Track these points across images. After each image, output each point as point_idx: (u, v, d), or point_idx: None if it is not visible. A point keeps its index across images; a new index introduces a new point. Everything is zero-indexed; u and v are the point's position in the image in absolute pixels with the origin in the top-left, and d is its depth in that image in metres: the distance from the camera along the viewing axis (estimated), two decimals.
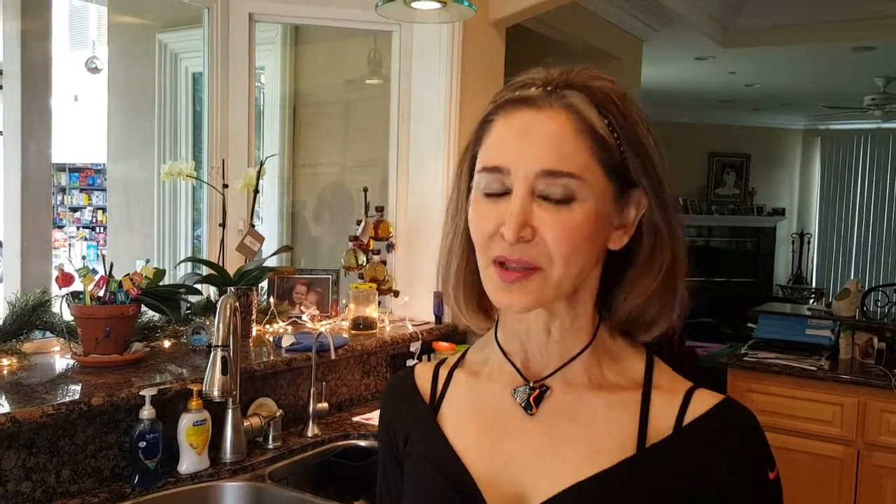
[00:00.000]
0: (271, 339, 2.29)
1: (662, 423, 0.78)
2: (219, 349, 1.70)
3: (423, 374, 0.94)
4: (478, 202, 0.78)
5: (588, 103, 0.75)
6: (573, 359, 0.81)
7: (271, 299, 2.51)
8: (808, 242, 9.96)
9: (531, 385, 0.81)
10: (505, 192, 0.75)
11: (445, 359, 0.95)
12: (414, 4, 2.19)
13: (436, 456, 0.85)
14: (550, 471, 0.79)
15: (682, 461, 0.76)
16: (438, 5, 2.18)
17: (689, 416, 0.77)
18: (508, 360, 0.84)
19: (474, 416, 0.86)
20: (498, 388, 0.85)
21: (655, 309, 0.80)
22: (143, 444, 1.65)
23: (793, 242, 9.98)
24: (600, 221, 0.76)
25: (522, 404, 0.81)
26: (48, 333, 1.98)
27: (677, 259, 0.79)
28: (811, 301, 8.34)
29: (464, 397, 0.88)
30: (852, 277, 9.35)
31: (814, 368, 3.28)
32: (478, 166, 0.78)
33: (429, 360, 2.56)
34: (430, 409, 0.90)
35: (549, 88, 0.76)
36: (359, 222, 2.69)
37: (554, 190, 0.73)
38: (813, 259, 10.03)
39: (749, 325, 3.87)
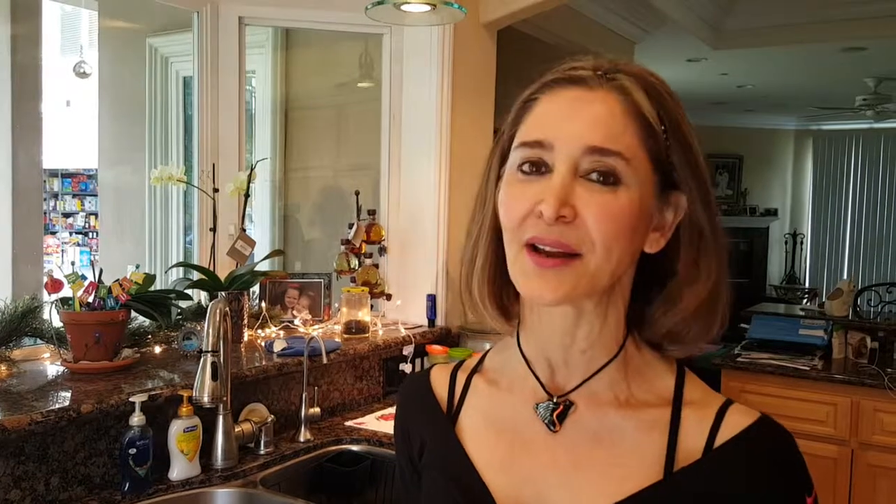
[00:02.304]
0: (263, 343, 2.28)
1: (692, 444, 0.73)
2: (209, 355, 1.69)
3: (439, 378, 0.89)
4: (511, 182, 0.73)
5: (639, 88, 0.72)
6: (598, 371, 0.76)
7: (263, 304, 2.50)
8: (801, 242, 9.99)
9: (555, 400, 0.77)
10: (544, 171, 0.71)
11: (463, 361, 0.90)
12: (404, 7, 2.19)
13: (453, 470, 0.81)
14: (573, 493, 0.74)
15: (713, 486, 0.71)
16: (428, 8, 2.18)
17: (721, 437, 0.72)
18: (531, 370, 0.80)
19: (494, 428, 0.81)
20: (519, 401, 0.80)
21: (699, 325, 0.75)
22: (133, 450, 1.64)
23: (786, 243, 10.01)
24: (643, 212, 0.71)
25: (545, 421, 0.77)
26: (38, 340, 1.96)
27: (723, 266, 0.75)
28: (804, 301, 8.36)
29: (483, 407, 0.84)
30: (845, 277, 9.37)
31: (807, 368, 3.28)
32: (515, 143, 0.74)
33: (422, 363, 2.55)
34: (448, 419, 0.85)
35: (599, 72, 0.73)
36: (351, 226, 2.68)
37: (599, 169, 0.69)
38: (806, 259, 10.06)
39: (742, 325, 3.87)
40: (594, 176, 0.69)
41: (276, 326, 2.45)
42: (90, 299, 1.88)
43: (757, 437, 0.72)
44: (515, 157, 0.74)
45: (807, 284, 9.89)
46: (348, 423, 2.22)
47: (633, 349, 0.78)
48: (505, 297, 0.80)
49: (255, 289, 2.52)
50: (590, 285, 0.71)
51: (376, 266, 2.71)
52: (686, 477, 0.72)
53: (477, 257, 0.80)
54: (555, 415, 0.77)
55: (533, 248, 0.71)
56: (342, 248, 2.65)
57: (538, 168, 0.71)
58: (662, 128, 0.72)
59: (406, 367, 2.46)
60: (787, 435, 0.73)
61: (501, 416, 0.82)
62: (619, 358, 0.76)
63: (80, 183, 11.07)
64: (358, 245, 2.65)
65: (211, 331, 1.72)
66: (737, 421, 0.73)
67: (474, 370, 0.88)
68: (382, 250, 2.77)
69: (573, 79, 0.73)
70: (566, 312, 0.75)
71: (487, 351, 0.90)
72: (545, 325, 0.78)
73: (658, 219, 0.74)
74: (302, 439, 2.06)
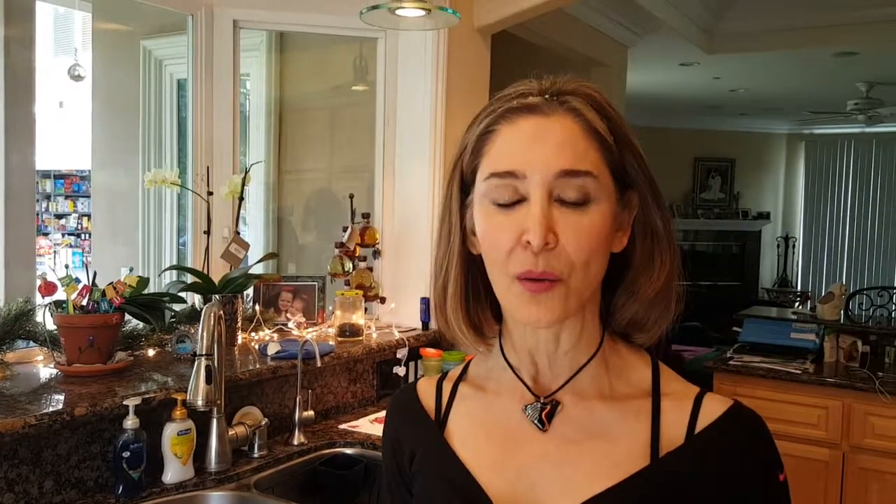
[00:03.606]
0: (257, 346, 2.28)
1: (674, 431, 0.77)
2: (203, 358, 1.69)
3: (425, 389, 0.92)
4: (489, 215, 0.76)
5: (588, 107, 0.76)
6: (581, 369, 0.80)
7: (257, 307, 2.50)
8: (793, 246, 10.03)
9: (542, 401, 0.81)
10: (518, 200, 0.74)
11: (447, 373, 0.93)
12: (399, 12, 2.19)
13: (447, 474, 0.83)
14: (566, 485, 0.77)
15: (697, 469, 0.76)
16: (423, 13, 2.19)
17: (701, 424, 0.77)
18: (517, 375, 0.83)
19: (483, 431, 0.84)
20: (507, 404, 0.83)
21: (658, 311, 0.80)
22: (126, 453, 1.64)
23: (778, 246, 10.04)
24: (612, 222, 0.76)
25: (535, 421, 0.80)
26: (31, 343, 1.96)
27: (676, 258, 0.80)
28: (796, 304, 8.39)
29: (471, 412, 0.87)
30: (837, 281, 9.41)
31: (799, 372, 3.30)
32: (483, 174, 0.77)
33: (416, 366, 2.56)
34: (437, 426, 0.88)
35: (547, 96, 0.77)
36: (345, 229, 2.68)
37: (572, 191, 0.73)
38: (798, 262, 10.10)
39: (735, 328, 3.89)
40: (568, 199, 0.73)
41: (269, 329, 2.46)
42: (84, 302, 1.88)
43: (733, 422, 0.77)
44: (486, 188, 0.76)
45: (799, 288, 9.93)
46: (342, 427, 2.22)
47: (610, 345, 0.82)
48: (478, 318, 0.84)
49: (249, 292, 2.52)
50: (578, 301, 0.76)
51: (370, 269, 2.71)
52: (671, 461, 0.76)
53: (448, 284, 0.83)
54: (543, 414, 0.80)
55: (524, 278, 0.74)
56: (336, 251, 2.66)
57: (513, 197, 0.74)
58: (612, 138, 0.76)
59: (400, 371, 2.47)
60: (758, 419, 0.79)
61: (490, 418, 0.85)
62: (598, 354, 0.81)
63: (73, 184, 11.05)
64: (352, 248, 2.66)
65: (205, 334, 1.72)
66: (713, 408, 0.78)
67: (459, 379, 0.91)
68: (376, 253, 2.77)
69: (528, 107, 0.76)
70: None
71: (469, 361, 0.92)
72: (530, 336, 0.81)
73: (619, 220, 0.79)
74: (296, 442, 2.06)
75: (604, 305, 0.82)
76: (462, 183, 0.81)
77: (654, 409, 0.79)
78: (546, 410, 0.80)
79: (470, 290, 0.82)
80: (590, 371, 0.81)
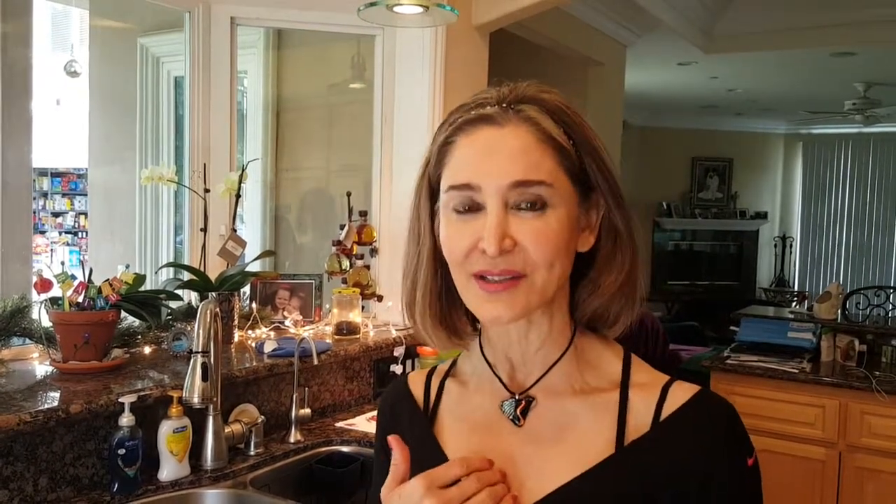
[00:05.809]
0: (253, 344, 2.27)
1: (641, 420, 0.79)
2: (199, 355, 1.68)
3: (416, 382, 0.95)
4: (450, 223, 0.79)
5: (544, 114, 0.78)
6: (552, 366, 0.83)
7: (253, 304, 2.49)
8: (791, 246, 10.04)
9: (517, 397, 0.83)
10: (477, 209, 0.77)
11: (437, 367, 0.96)
12: (397, 9, 2.19)
13: (431, 468, 0.84)
14: (536, 478, 0.80)
15: (660, 455, 0.77)
16: (421, 10, 2.19)
17: (666, 410, 0.79)
18: (494, 372, 0.86)
19: (467, 427, 0.87)
20: (487, 400, 0.86)
21: (619, 305, 0.82)
22: (122, 451, 1.63)
23: (775, 246, 10.06)
24: (572, 225, 0.78)
25: (510, 417, 0.83)
26: (27, 340, 1.95)
27: (636, 256, 0.82)
28: (793, 304, 8.41)
29: (455, 408, 0.90)
30: (833, 280, 9.43)
31: (796, 371, 3.30)
32: (444, 186, 0.80)
33: (412, 364, 2.55)
34: (426, 420, 0.91)
35: (504, 105, 0.78)
36: (342, 227, 2.68)
37: (527, 199, 0.75)
38: (795, 262, 10.12)
39: (732, 328, 3.89)
40: (524, 206, 0.76)
41: (266, 327, 2.45)
42: (80, 299, 1.87)
43: (697, 407, 0.78)
44: (447, 198, 0.79)
45: (795, 287, 9.94)
46: (339, 424, 2.22)
47: (583, 341, 0.84)
48: (455, 318, 0.86)
49: (246, 289, 2.51)
50: (540, 298, 0.78)
51: (367, 267, 2.71)
52: (634, 449, 0.78)
53: (417, 287, 0.85)
54: (518, 410, 0.83)
55: (481, 277, 0.77)
56: (333, 249, 2.65)
57: (471, 207, 0.77)
58: (571, 142, 0.78)
59: (397, 369, 2.46)
60: (725, 404, 0.80)
61: (472, 415, 0.87)
62: (570, 351, 0.83)
63: (70, 182, 11.02)
64: (349, 246, 2.65)
65: (201, 331, 1.72)
66: (679, 395, 0.79)
67: (447, 374, 0.94)
68: (374, 251, 2.77)
69: (483, 118, 0.78)
70: (518, 322, 0.81)
71: (458, 355, 0.94)
72: (502, 335, 0.84)
73: (585, 220, 0.81)
74: (292, 440, 2.06)
75: (572, 303, 0.84)
76: (431, 191, 0.84)
77: (622, 399, 0.80)
78: (521, 406, 0.83)
79: (444, 292, 0.85)
80: (562, 367, 0.83)
